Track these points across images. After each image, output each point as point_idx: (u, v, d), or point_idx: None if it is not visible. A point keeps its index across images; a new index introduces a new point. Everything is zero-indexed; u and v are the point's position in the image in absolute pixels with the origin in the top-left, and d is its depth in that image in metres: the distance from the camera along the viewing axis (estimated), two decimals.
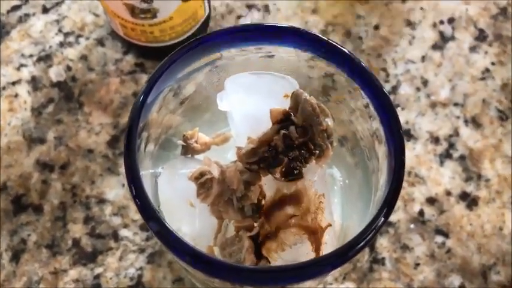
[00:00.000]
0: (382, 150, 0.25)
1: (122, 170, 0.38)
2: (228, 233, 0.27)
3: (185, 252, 0.23)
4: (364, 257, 0.37)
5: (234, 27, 0.28)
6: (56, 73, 0.42)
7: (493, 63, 0.42)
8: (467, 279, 0.36)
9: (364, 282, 0.36)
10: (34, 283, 0.36)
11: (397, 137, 0.24)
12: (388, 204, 0.23)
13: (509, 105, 0.41)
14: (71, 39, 0.43)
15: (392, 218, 0.37)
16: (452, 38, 0.43)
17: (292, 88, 0.27)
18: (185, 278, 0.36)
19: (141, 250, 0.37)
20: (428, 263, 0.36)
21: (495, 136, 0.40)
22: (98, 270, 0.36)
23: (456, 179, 0.39)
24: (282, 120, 0.26)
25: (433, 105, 0.41)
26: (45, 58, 0.42)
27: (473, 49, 0.42)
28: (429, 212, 0.38)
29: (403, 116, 0.40)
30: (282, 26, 0.27)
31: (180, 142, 0.30)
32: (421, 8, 0.44)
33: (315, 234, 0.26)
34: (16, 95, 0.41)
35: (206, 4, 0.39)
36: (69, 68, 0.42)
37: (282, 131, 0.25)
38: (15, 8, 0.44)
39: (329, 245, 0.27)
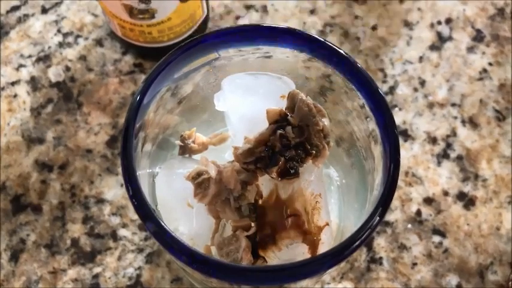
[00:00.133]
0: (378, 150, 0.25)
1: (121, 170, 0.38)
2: (225, 232, 0.27)
3: (182, 252, 0.23)
4: (362, 256, 0.37)
5: (231, 27, 0.28)
6: (55, 73, 0.42)
7: (490, 64, 0.42)
8: (464, 279, 0.36)
9: (361, 281, 0.36)
10: (33, 283, 0.36)
11: (392, 137, 0.24)
12: (383, 203, 0.23)
13: (506, 105, 0.41)
14: (70, 39, 0.43)
15: (390, 217, 0.38)
16: (450, 38, 0.43)
17: (289, 89, 0.27)
18: (183, 277, 0.36)
19: (140, 250, 0.37)
20: (426, 262, 0.37)
21: (492, 136, 0.40)
22: (97, 269, 0.36)
23: (453, 179, 0.39)
24: (279, 121, 0.26)
25: (431, 105, 0.41)
26: (44, 58, 0.42)
27: (470, 49, 0.43)
28: (426, 211, 0.38)
29: (400, 116, 0.40)
30: (279, 27, 0.27)
31: (178, 142, 0.30)
32: (419, 9, 0.44)
33: (310, 236, 0.26)
34: (15, 95, 0.41)
35: (204, 5, 0.39)
36: (68, 69, 0.42)
37: (279, 131, 0.26)
38: (15, 8, 0.44)
39: (326, 244, 0.27)
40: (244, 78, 0.28)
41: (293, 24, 0.43)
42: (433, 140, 0.40)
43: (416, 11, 0.44)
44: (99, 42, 0.43)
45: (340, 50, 0.26)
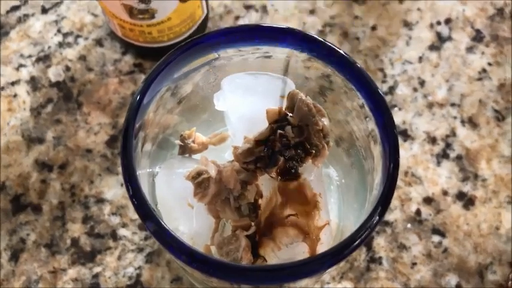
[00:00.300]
0: (377, 150, 0.25)
1: (121, 169, 0.38)
2: (225, 232, 0.27)
3: (182, 252, 0.23)
4: (361, 256, 0.37)
5: (231, 27, 0.28)
6: (54, 73, 0.42)
7: (489, 64, 0.42)
8: (463, 279, 0.36)
9: (361, 281, 0.36)
10: (33, 282, 0.36)
11: (391, 137, 0.24)
12: (383, 203, 0.23)
13: (505, 105, 0.41)
14: (70, 39, 0.43)
15: (389, 217, 0.38)
16: (449, 38, 0.43)
17: (289, 89, 0.27)
18: (183, 277, 0.36)
19: (140, 249, 0.37)
20: (425, 262, 0.37)
21: (492, 136, 0.40)
22: (97, 269, 0.36)
23: (453, 178, 0.39)
24: (278, 120, 0.26)
25: (430, 105, 0.41)
26: (44, 58, 0.42)
27: (470, 50, 0.43)
28: (426, 211, 0.38)
29: (400, 116, 0.40)
30: (278, 27, 0.27)
31: (178, 142, 0.30)
32: (418, 9, 0.44)
33: (310, 235, 0.26)
34: (15, 95, 0.41)
35: (204, 5, 0.39)
36: (68, 68, 0.42)
37: (279, 131, 0.26)
38: (14, 8, 0.44)
39: (326, 244, 0.27)
40: (244, 78, 0.28)
41: (293, 24, 0.43)
42: (432, 140, 0.40)
43: (415, 11, 0.44)
44: (99, 42, 0.43)
45: (339, 50, 0.26)
